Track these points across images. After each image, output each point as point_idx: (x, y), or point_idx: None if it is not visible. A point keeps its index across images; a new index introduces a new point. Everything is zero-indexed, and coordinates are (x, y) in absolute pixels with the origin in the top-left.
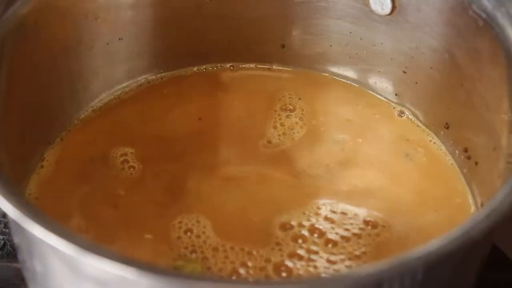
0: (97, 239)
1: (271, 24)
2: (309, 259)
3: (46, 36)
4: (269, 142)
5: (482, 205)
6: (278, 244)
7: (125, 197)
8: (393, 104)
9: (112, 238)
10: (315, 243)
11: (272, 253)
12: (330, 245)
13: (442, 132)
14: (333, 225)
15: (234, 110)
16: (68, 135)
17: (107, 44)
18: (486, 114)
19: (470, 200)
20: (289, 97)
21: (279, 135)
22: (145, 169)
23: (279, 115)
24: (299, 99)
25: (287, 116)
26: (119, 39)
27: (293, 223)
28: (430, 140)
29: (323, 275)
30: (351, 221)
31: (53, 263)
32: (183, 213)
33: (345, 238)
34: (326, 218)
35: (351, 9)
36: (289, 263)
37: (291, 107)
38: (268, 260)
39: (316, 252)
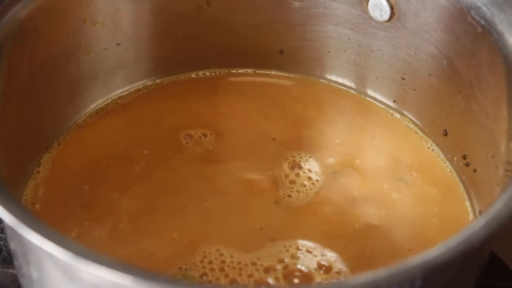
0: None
1: (269, 30)
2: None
3: (44, 40)
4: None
5: (480, 212)
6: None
7: (121, 202)
8: (391, 111)
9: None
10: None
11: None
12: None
13: (440, 139)
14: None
15: (233, 118)
16: (65, 140)
17: (105, 49)
18: (485, 121)
19: (469, 208)
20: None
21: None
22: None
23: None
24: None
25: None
26: (117, 44)
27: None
28: (429, 147)
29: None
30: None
31: (49, 269)
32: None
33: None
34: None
35: (350, 15)
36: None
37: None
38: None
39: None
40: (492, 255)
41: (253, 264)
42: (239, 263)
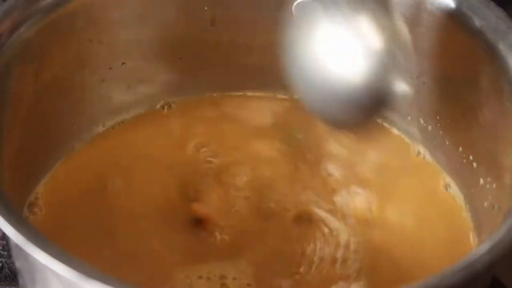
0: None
1: (272, 52)
2: None
3: (50, 60)
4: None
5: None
6: None
7: (121, 228)
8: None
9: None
10: None
11: None
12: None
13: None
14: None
15: (236, 143)
16: (68, 161)
17: (110, 68)
18: (489, 147)
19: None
20: (295, 128)
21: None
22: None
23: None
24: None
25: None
26: (122, 63)
27: None
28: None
29: None
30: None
31: None
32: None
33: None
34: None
35: None
36: None
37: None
38: None
39: None
40: (494, 279)
41: None
42: None
